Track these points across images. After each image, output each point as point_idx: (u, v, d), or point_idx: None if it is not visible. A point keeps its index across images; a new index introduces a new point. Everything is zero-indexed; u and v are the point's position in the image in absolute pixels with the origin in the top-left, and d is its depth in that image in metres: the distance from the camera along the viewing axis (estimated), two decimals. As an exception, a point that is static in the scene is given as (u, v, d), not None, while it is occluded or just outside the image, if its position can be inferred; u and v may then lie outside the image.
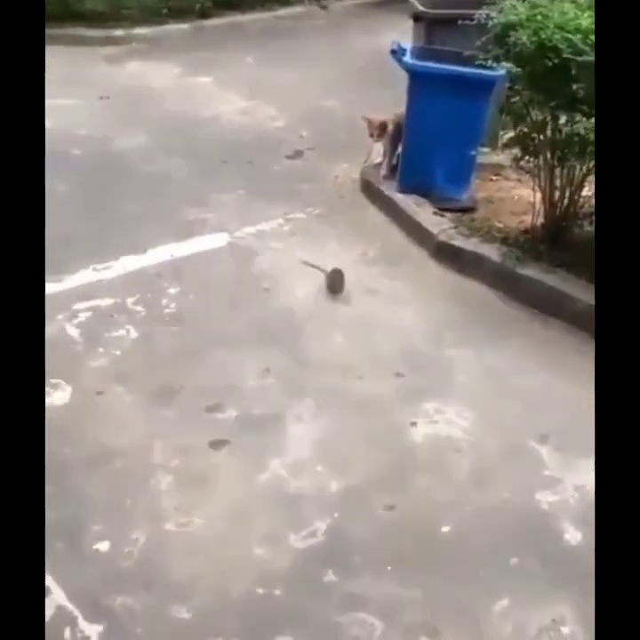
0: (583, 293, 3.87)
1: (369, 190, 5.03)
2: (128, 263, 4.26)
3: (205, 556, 2.69)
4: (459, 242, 4.34)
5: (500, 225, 4.43)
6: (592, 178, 4.10)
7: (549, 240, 4.19)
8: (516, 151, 4.25)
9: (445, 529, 2.79)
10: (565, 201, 4.23)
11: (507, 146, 4.40)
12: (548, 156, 4.15)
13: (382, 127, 4.84)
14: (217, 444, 3.15)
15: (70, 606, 2.49)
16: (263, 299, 4.06)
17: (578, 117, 3.84)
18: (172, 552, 2.70)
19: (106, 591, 2.55)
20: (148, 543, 2.72)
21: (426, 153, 4.64)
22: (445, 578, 2.62)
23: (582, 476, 3.01)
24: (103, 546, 2.69)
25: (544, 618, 2.49)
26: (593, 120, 3.73)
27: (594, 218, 4.04)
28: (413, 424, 3.28)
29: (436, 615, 2.49)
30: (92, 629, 2.43)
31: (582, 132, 3.80)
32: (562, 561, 2.69)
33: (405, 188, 4.77)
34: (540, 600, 2.55)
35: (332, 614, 2.50)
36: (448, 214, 4.56)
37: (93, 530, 2.75)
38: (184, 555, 2.69)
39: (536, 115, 4.05)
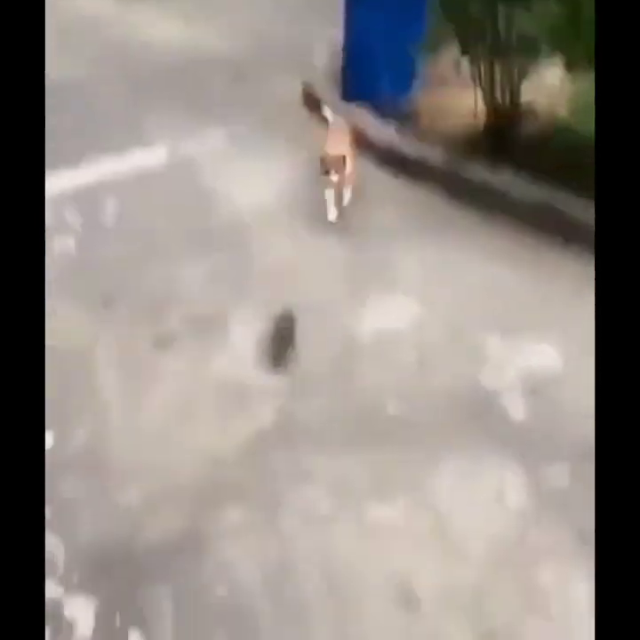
0: (526, 192, 3.88)
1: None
2: (64, 177, 4.17)
3: (150, 444, 2.67)
4: (402, 146, 4.31)
5: (444, 129, 4.41)
6: (531, 77, 4.11)
7: (492, 141, 4.18)
8: (456, 53, 4.22)
9: (391, 410, 2.81)
10: (506, 102, 4.22)
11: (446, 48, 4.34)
12: (488, 55, 4.12)
13: (340, 162, 3.79)
14: (161, 342, 3.12)
15: (15, 496, 2.47)
16: (205, 209, 4.00)
17: (517, 11, 3.82)
18: (118, 442, 2.68)
19: (51, 480, 2.52)
20: (92, 434, 2.70)
21: (368, 59, 4.58)
22: (392, 453, 2.63)
23: (526, 358, 3.05)
24: (47, 439, 2.66)
25: (489, 484, 2.53)
26: (532, 13, 3.72)
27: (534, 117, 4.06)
28: (359, 317, 3.29)
29: (385, 486, 2.51)
30: (38, 515, 2.41)
31: (523, 27, 3.78)
32: (505, 435, 2.72)
33: (349, 96, 4.71)
34: (485, 471, 2.59)
35: (281, 490, 2.51)
36: (391, 120, 4.52)
37: (36, 425, 2.71)
38: (129, 444, 2.67)
39: (475, 10, 4.01)
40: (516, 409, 2.84)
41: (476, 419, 2.79)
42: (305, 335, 3.17)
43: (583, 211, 3.65)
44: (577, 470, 2.55)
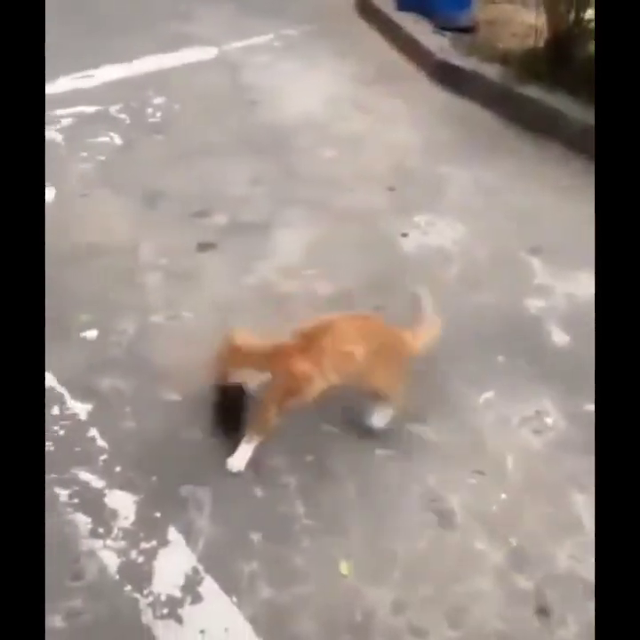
0: (582, 114, 3.76)
1: (365, 9, 4.80)
2: (111, 72, 4.09)
3: (194, 346, 2.68)
4: (457, 61, 4.18)
5: (501, 46, 4.26)
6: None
7: (550, 61, 4.03)
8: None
9: (434, 328, 2.81)
10: (569, 22, 4.05)
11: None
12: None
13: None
14: (204, 247, 3.10)
15: (59, 388, 2.50)
16: (251, 111, 3.92)
17: None
18: (161, 341, 2.70)
19: (94, 375, 2.55)
20: (135, 333, 2.72)
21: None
22: (432, 372, 2.64)
23: (572, 284, 3.02)
24: (91, 334, 2.68)
25: (527, 409, 2.54)
26: None
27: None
28: (404, 235, 3.24)
29: (424, 404, 2.52)
30: (81, 408, 2.45)
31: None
32: (547, 360, 2.71)
33: (404, 7, 4.54)
34: (525, 394, 2.59)
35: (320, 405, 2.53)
36: (448, 34, 4.37)
37: (81, 320, 2.73)
38: (173, 344, 2.69)
39: None
40: (559, 334, 2.82)
41: (519, 341, 2.78)
42: (349, 243, 3.14)
43: None
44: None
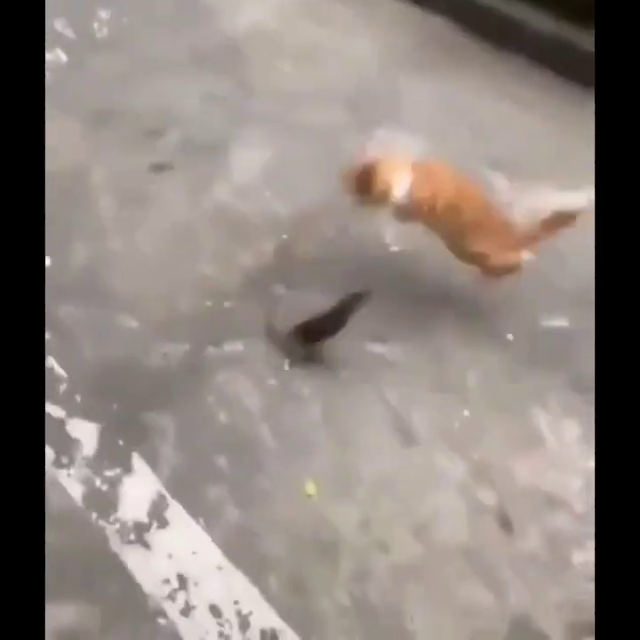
0: (547, 25, 3.66)
1: None
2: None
3: (150, 271, 2.63)
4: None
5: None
6: None
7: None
8: None
9: (394, 248, 2.77)
10: None
11: None
12: None
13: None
14: (158, 168, 3.01)
15: (14, 317, 2.44)
16: (203, 24, 3.76)
17: None
18: (117, 267, 2.63)
19: (49, 303, 2.49)
20: (90, 260, 2.65)
21: None
22: (394, 291, 2.61)
23: (533, 199, 2.99)
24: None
25: (488, 330, 2.55)
26: None
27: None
28: (364, 150, 3.18)
29: (385, 323, 2.50)
30: (38, 337, 2.40)
31: None
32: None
33: None
34: (488, 313, 2.60)
35: (282, 323, 2.51)
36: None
37: (33, 247, 2.65)
38: (129, 270, 2.63)
39: None
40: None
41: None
42: (308, 160, 3.06)
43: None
44: (577, 317, 2.56)
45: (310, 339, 2.38)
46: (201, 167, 3.03)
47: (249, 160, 3.08)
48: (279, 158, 3.10)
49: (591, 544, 2.01)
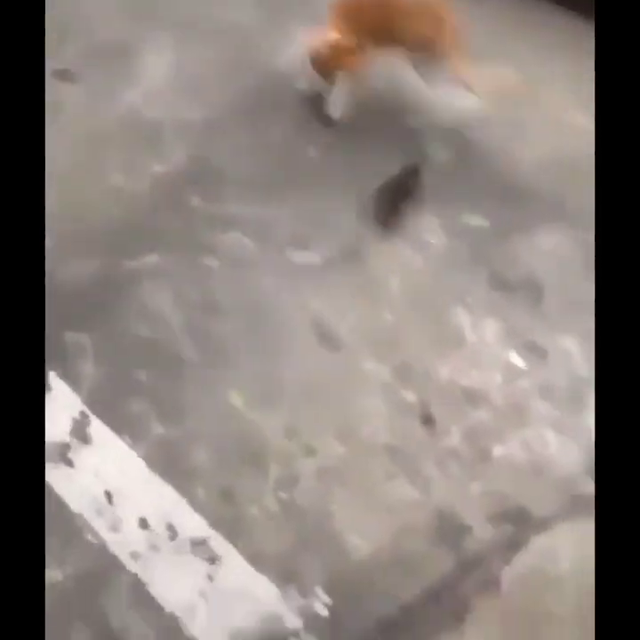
0: None
1: None
2: None
3: (57, 185, 2.52)
4: None
5: None
6: None
7: None
8: None
9: (313, 152, 2.70)
10: None
11: None
12: None
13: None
14: (61, 74, 2.85)
15: None
16: None
17: None
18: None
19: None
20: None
21: None
22: (314, 197, 2.55)
23: (451, 97, 2.94)
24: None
25: (410, 227, 2.53)
26: None
27: None
28: (278, 51, 3.06)
29: (307, 231, 2.46)
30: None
31: None
32: (429, 175, 2.67)
33: None
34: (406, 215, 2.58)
35: (200, 234, 2.44)
36: None
37: None
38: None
39: None
40: (438, 149, 2.77)
41: (400, 159, 2.73)
42: (219, 62, 2.95)
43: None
44: (496, 215, 2.57)
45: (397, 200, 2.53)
46: (106, 73, 2.89)
47: (157, 64, 2.93)
48: (188, 61, 2.96)
49: (510, 437, 2.07)
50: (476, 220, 2.56)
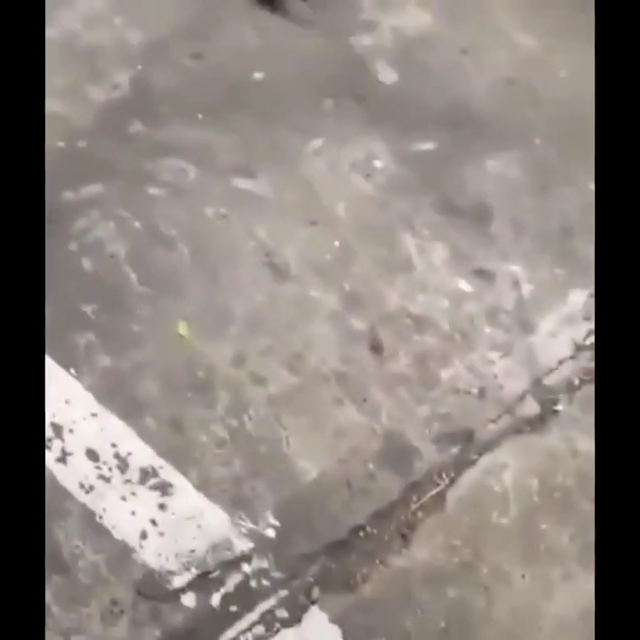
0: None
1: None
2: None
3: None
4: None
5: None
6: None
7: None
8: None
9: (257, 75, 2.64)
10: None
11: None
12: None
13: None
14: (-7, -5, 2.73)
15: None
16: None
17: None
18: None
19: None
20: None
21: None
22: (259, 122, 2.52)
23: (397, 18, 2.88)
24: None
25: (357, 154, 2.49)
26: None
27: None
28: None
29: (250, 157, 2.43)
30: None
31: None
32: (376, 100, 2.63)
33: None
34: (354, 138, 2.53)
35: (142, 162, 2.39)
36: None
37: None
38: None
39: None
40: (387, 73, 2.72)
41: (347, 82, 2.67)
42: None
43: None
44: (442, 138, 2.54)
45: None
46: (41, -6, 2.77)
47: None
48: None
49: (457, 361, 2.10)
50: (425, 145, 2.53)
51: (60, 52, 2.61)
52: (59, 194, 2.29)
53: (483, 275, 2.26)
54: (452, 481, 1.91)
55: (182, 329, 2.11)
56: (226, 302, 2.16)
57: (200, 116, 2.50)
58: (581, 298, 2.21)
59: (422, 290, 2.24)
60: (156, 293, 2.15)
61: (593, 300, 2.20)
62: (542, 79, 2.70)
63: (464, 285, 2.24)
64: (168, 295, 2.15)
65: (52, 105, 2.47)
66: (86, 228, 2.24)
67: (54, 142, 2.39)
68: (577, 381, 2.06)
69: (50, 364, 2.01)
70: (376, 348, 2.13)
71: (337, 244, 2.31)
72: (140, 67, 2.61)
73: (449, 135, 2.53)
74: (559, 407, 2.02)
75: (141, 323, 2.10)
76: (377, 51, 2.75)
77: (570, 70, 2.74)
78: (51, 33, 2.65)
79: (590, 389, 2.05)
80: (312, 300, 2.19)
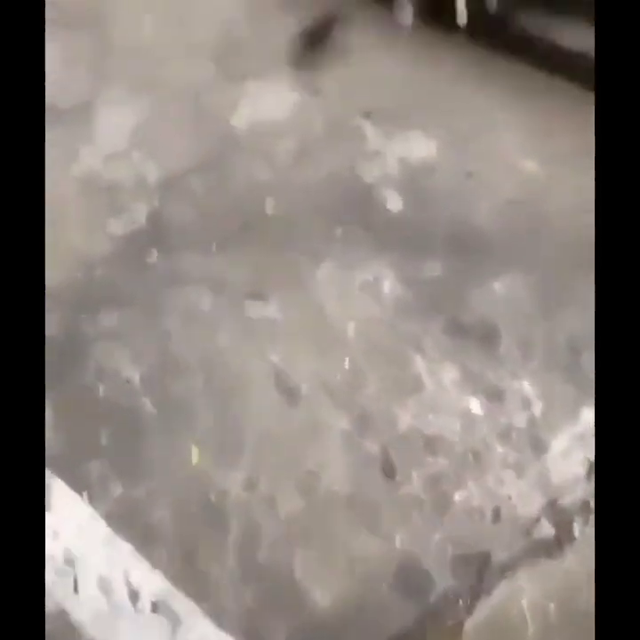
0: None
1: None
2: None
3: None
4: None
5: None
6: None
7: None
8: None
9: (269, 206, 2.76)
10: None
11: None
12: None
13: None
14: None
15: None
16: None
17: None
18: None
19: None
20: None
21: None
22: (270, 250, 2.61)
23: (403, 148, 3.01)
24: None
25: (366, 277, 2.56)
26: None
27: None
28: (234, 108, 3.13)
29: (262, 284, 2.50)
30: None
31: None
32: (384, 227, 2.72)
33: None
34: (363, 263, 2.61)
35: (158, 291, 2.47)
36: None
37: None
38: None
39: None
40: (394, 200, 2.83)
41: (355, 210, 2.77)
42: (176, 122, 3.01)
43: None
44: (449, 261, 2.61)
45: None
46: (67, 134, 2.93)
47: (115, 123, 2.99)
48: (146, 119, 3.02)
49: (470, 482, 2.09)
50: (431, 269, 2.60)
51: (80, 188, 2.75)
52: (76, 322, 2.37)
53: (493, 394, 2.27)
54: (469, 607, 1.87)
55: (195, 455, 2.13)
56: (237, 427, 2.18)
57: (214, 245, 2.60)
58: (593, 415, 2.22)
59: (433, 410, 2.25)
60: (169, 418, 2.19)
61: (604, 418, 2.21)
62: (545, 202, 2.80)
63: (475, 405, 2.26)
64: (181, 421, 2.18)
65: (72, 239, 2.60)
66: (102, 355, 2.30)
67: (73, 273, 2.49)
68: (592, 502, 2.04)
69: (64, 490, 2.02)
70: (388, 470, 2.13)
71: (347, 365, 2.35)
72: (156, 200, 2.73)
73: (455, 259, 2.60)
74: (575, 529, 1.99)
75: (154, 449, 2.13)
76: (383, 179, 2.87)
77: (572, 194, 2.84)
78: (73, 169, 2.81)
79: (606, 510, 2.03)
80: (323, 422, 2.21)
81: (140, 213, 2.68)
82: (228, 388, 2.26)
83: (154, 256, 2.55)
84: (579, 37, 3.21)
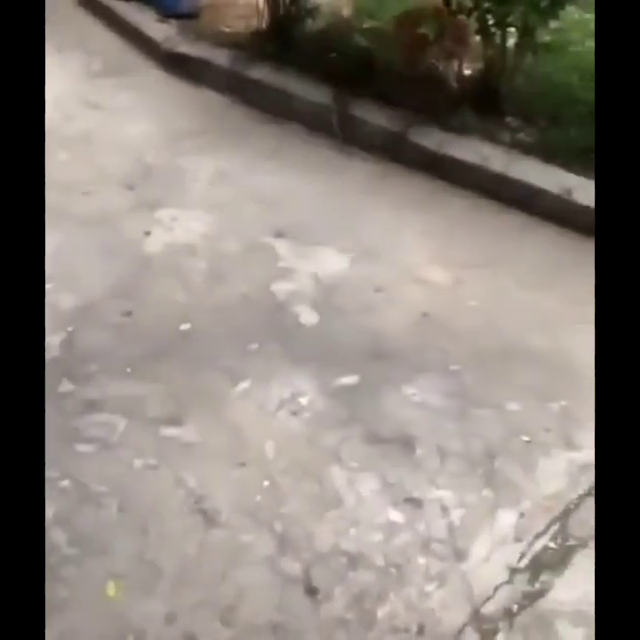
0: (312, 93, 3.85)
1: (87, 1, 4.62)
2: None
3: None
4: (185, 48, 4.14)
5: (227, 29, 4.26)
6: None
7: (275, 41, 4.08)
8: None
9: (184, 327, 2.78)
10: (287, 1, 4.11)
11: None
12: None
13: None
14: None
15: None
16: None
17: None
18: None
19: None
20: None
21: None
22: (186, 370, 2.62)
23: (315, 264, 3.10)
24: None
25: (283, 392, 2.58)
26: None
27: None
28: (148, 234, 3.19)
29: (178, 405, 2.50)
30: None
31: None
32: (299, 341, 2.77)
33: (126, -6, 4.44)
34: (279, 379, 2.63)
35: (71, 420, 2.44)
36: (172, 21, 4.32)
37: None
38: None
39: None
40: (308, 315, 2.88)
41: (270, 327, 2.81)
42: (90, 249, 3.04)
43: (369, 112, 3.68)
44: (365, 371, 2.65)
45: None
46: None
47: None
48: (60, 249, 3.05)
49: (393, 596, 2.06)
50: (347, 379, 2.64)
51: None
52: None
53: (412, 503, 2.27)
54: None
55: (111, 589, 2.06)
56: (155, 557, 2.12)
57: (128, 369, 2.60)
58: (511, 519, 2.23)
59: (354, 524, 2.24)
60: (83, 553, 2.12)
61: (523, 521, 2.23)
62: (452, 309, 2.89)
63: (395, 515, 2.25)
64: (96, 553, 2.11)
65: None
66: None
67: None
68: (515, 607, 2.03)
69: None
70: (311, 590, 2.09)
71: (266, 484, 2.32)
72: (70, 328, 2.73)
73: (369, 368, 2.64)
74: (499, 637, 1.97)
75: (69, 586, 2.04)
76: (297, 296, 2.94)
77: (478, 298, 2.94)
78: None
79: (529, 614, 2.02)
80: (243, 545, 2.17)
81: (52, 342, 2.67)
82: (144, 515, 2.21)
83: (66, 385, 2.53)
84: (471, 151, 3.42)
